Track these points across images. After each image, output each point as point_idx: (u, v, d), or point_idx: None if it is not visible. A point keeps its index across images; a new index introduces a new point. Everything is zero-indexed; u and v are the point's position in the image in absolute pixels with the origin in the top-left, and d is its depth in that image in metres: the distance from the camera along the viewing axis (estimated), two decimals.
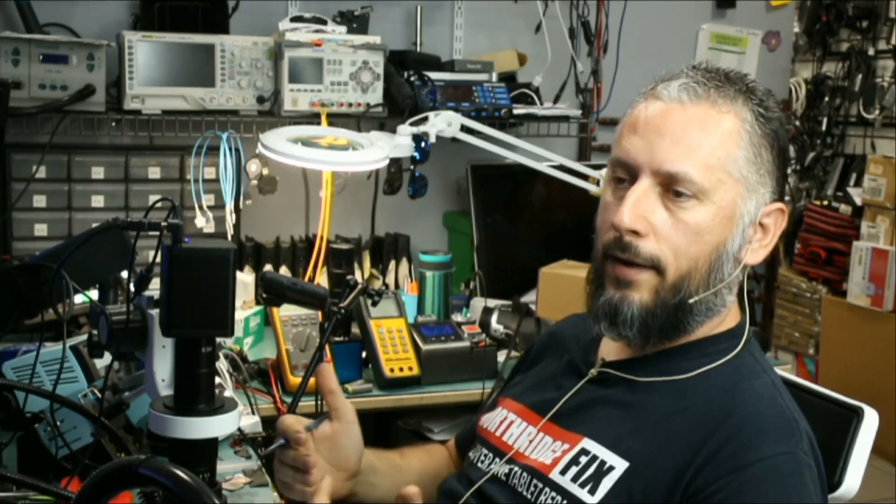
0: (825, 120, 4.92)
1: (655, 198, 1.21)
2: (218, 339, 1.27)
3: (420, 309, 2.53)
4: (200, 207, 2.58)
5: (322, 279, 2.68)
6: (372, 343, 2.24)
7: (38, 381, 1.53)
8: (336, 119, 2.72)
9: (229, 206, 2.61)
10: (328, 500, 1.28)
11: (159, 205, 1.24)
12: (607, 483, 1.18)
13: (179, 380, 1.19)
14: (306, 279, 2.70)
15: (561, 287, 2.50)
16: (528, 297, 2.65)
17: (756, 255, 1.25)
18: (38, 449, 1.48)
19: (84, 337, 1.54)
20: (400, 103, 2.70)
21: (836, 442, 1.36)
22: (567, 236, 2.92)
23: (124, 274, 1.98)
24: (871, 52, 4.69)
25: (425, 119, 2.58)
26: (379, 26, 2.90)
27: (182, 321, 1.15)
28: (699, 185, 1.19)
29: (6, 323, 1.70)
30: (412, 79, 2.77)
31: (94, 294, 2.06)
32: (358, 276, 2.81)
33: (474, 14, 3.14)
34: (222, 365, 2.01)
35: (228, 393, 1.92)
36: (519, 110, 2.92)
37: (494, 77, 2.92)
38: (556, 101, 3.08)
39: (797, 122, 4.91)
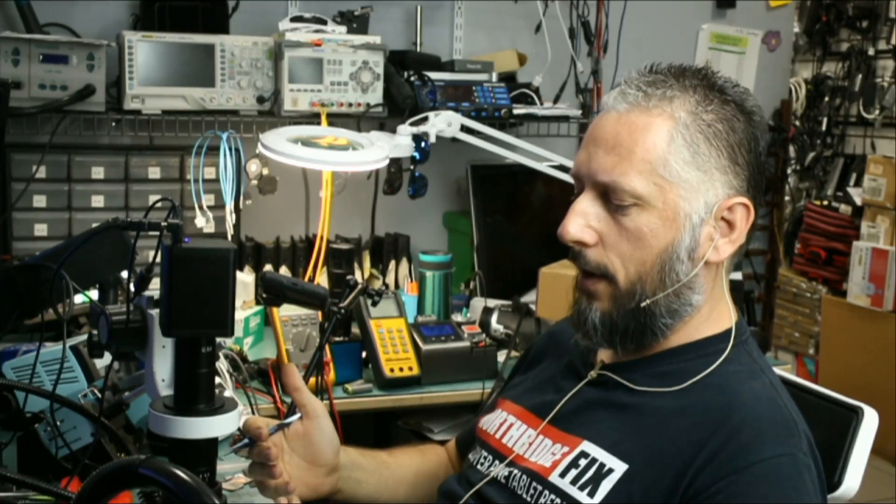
0: (825, 120, 4.92)
1: (600, 207, 1.23)
2: (218, 339, 1.27)
3: (420, 309, 2.53)
4: (200, 207, 2.58)
5: (322, 279, 2.68)
6: (372, 343, 2.24)
7: (38, 381, 1.53)
8: (336, 119, 2.72)
9: (229, 206, 2.61)
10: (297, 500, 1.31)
11: (159, 205, 1.24)
12: (606, 485, 1.18)
13: (179, 380, 1.19)
14: (306, 279, 2.70)
15: (561, 287, 2.48)
16: (528, 297, 2.65)
17: (721, 251, 1.23)
18: (38, 449, 1.48)
19: (84, 337, 1.54)
20: (400, 103, 2.70)
21: (835, 442, 1.36)
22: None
23: (124, 274, 1.98)
24: (871, 52, 4.69)
25: (425, 119, 2.59)
26: (379, 26, 2.91)
27: (182, 321, 1.15)
28: (633, 193, 1.19)
29: (6, 323, 1.70)
30: (412, 79, 2.77)
31: (94, 294, 2.06)
32: (358, 276, 2.81)
33: (474, 14, 3.14)
34: (222, 365, 2.02)
35: (228, 393, 1.93)
36: (519, 110, 2.92)
37: (494, 77, 2.92)
38: (556, 101, 3.08)
39: (797, 122, 4.91)
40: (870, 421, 1.37)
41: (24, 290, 1.69)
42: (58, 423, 1.45)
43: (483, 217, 2.97)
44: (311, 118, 2.69)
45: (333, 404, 2.13)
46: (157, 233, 1.16)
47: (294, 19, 2.75)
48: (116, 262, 1.84)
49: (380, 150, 2.48)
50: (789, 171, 4.60)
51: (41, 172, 2.55)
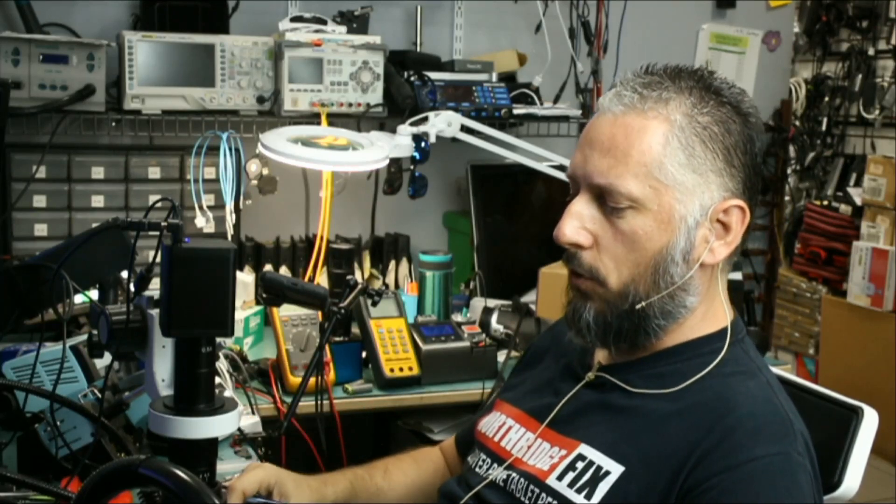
0: (825, 120, 4.92)
1: (595, 210, 1.23)
2: (218, 339, 1.27)
3: (420, 309, 2.53)
4: (200, 207, 2.58)
5: (322, 279, 2.68)
6: (372, 343, 2.24)
7: (38, 381, 1.53)
8: (336, 119, 2.72)
9: (229, 206, 2.61)
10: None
11: (159, 205, 1.24)
12: (603, 487, 1.18)
13: (179, 380, 1.20)
14: (306, 279, 2.70)
15: (561, 287, 2.46)
16: (528, 297, 2.65)
17: (716, 253, 1.23)
18: (38, 449, 1.48)
19: (84, 337, 1.54)
20: (400, 103, 2.70)
21: (835, 442, 1.36)
22: None
23: (124, 274, 1.98)
24: (871, 52, 4.69)
25: (425, 119, 2.59)
26: (379, 26, 2.91)
27: (182, 321, 1.16)
28: (628, 196, 1.19)
29: (6, 323, 1.70)
30: (412, 79, 2.77)
31: (94, 294, 2.06)
32: (358, 276, 2.81)
33: (474, 14, 3.14)
34: (222, 365, 2.02)
35: (228, 393, 1.93)
36: (519, 110, 2.92)
37: (494, 77, 2.92)
38: (556, 101, 3.08)
39: (797, 123, 4.91)
40: (870, 421, 1.37)
41: (24, 290, 1.69)
42: (58, 423, 1.45)
43: (483, 217, 2.97)
44: (311, 118, 2.69)
45: (333, 404, 2.13)
46: (157, 233, 1.16)
47: (294, 19, 2.75)
48: (116, 262, 1.84)
49: (380, 150, 2.48)
50: (789, 171, 4.60)
51: (41, 172, 2.55)
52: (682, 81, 1.23)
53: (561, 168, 2.71)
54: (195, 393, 1.18)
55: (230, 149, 2.56)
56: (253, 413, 1.99)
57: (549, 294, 2.54)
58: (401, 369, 2.24)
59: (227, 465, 1.68)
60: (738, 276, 2.73)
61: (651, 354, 1.28)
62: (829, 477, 1.32)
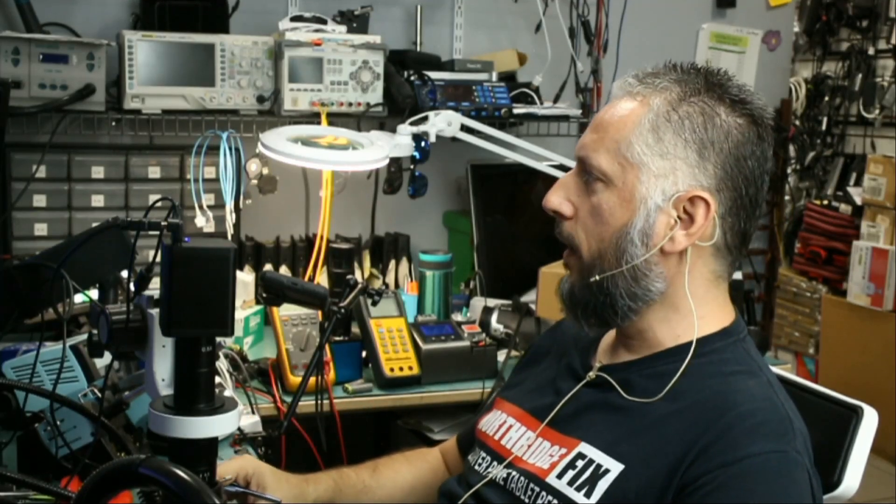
0: (825, 119, 4.92)
1: (580, 182, 1.29)
2: (218, 339, 1.27)
3: (420, 308, 2.53)
4: (200, 207, 2.58)
5: (322, 279, 2.68)
6: (372, 343, 2.24)
7: (38, 380, 1.53)
8: (336, 119, 2.72)
9: (229, 205, 2.61)
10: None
11: (159, 204, 1.24)
12: (602, 485, 1.19)
13: (179, 379, 1.19)
14: (306, 279, 2.70)
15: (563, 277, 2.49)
16: (528, 297, 2.65)
17: (676, 242, 1.23)
18: (38, 449, 1.48)
19: (84, 336, 1.54)
20: (400, 103, 2.70)
21: (835, 441, 1.36)
22: None
23: (124, 274, 1.98)
24: (871, 51, 4.69)
25: (425, 118, 2.58)
26: (379, 26, 2.90)
27: (182, 321, 1.15)
28: (598, 169, 1.25)
29: (6, 323, 1.70)
30: (412, 78, 2.77)
31: (94, 294, 2.06)
32: (358, 275, 2.81)
33: (474, 14, 3.13)
34: (222, 364, 2.02)
35: (228, 392, 1.93)
36: (519, 110, 2.91)
37: (494, 77, 2.92)
38: (556, 100, 3.08)
39: (797, 122, 4.91)
40: (869, 420, 1.37)
41: (24, 289, 1.69)
42: (58, 422, 1.45)
43: (483, 217, 2.97)
44: (311, 118, 2.69)
45: (333, 404, 2.13)
46: (157, 232, 1.16)
47: (294, 19, 2.75)
48: (116, 261, 1.84)
49: (380, 149, 2.48)
50: (789, 170, 4.61)
51: (41, 172, 2.55)
52: (688, 76, 1.26)
53: (561, 168, 2.71)
54: (195, 392, 1.18)
55: (230, 148, 2.56)
56: (253, 413, 1.99)
57: (549, 294, 2.54)
58: (401, 369, 2.24)
59: None
60: (738, 275, 2.73)
61: (651, 355, 1.28)
62: (828, 476, 1.32)
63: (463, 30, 3.13)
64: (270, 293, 1.57)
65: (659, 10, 3.33)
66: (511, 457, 1.32)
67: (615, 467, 1.19)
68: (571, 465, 1.23)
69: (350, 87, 2.69)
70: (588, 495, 1.19)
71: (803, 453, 1.17)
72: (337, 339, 2.22)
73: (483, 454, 1.38)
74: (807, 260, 4.68)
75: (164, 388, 1.25)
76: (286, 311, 2.18)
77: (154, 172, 2.67)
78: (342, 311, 1.63)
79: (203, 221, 2.58)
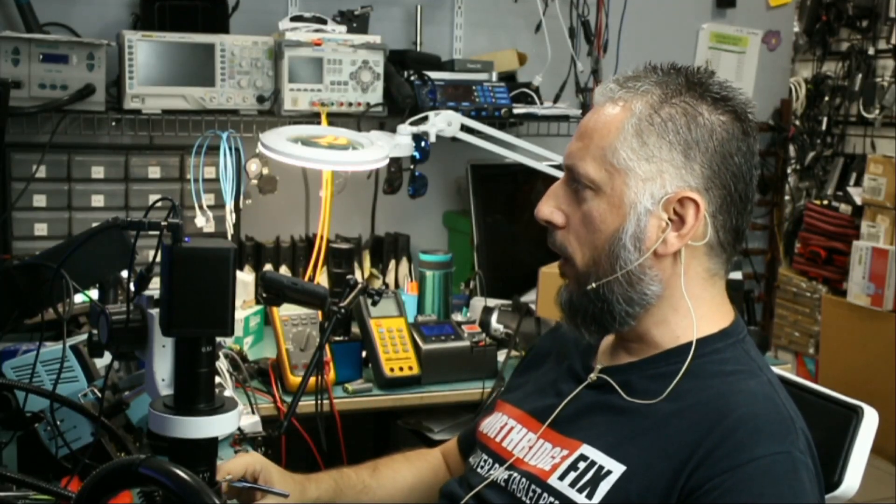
0: (825, 119, 4.92)
1: (569, 191, 1.29)
2: (218, 339, 1.27)
3: (420, 308, 2.53)
4: (200, 207, 2.58)
5: (322, 279, 2.68)
6: (372, 343, 2.24)
7: (38, 380, 1.53)
8: (336, 119, 2.72)
9: (229, 205, 2.61)
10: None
11: (159, 204, 1.24)
12: (604, 487, 1.19)
13: (179, 379, 1.19)
14: (306, 279, 2.70)
15: (561, 286, 2.49)
16: (528, 297, 2.65)
17: (669, 244, 1.23)
18: (38, 449, 1.48)
19: (84, 336, 1.54)
20: (400, 103, 2.70)
21: (835, 441, 1.36)
22: None
23: (124, 274, 1.98)
24: (871, 51, 4.69)
25: (425, 118, 2.58)
26: (379, 26, 2.90)
27: (182, 321, 1.15)
28: (586, 177, 1.26)
29: (6, 323, 1.70)
30: (412, 78, 2.77)
31: (94, 294, 2.06)
32: (358, 275, 2.81)
33: (474, 14, 3.13)
34: (222, 364, 2.02)
35: (228, 392, 1.93)
36: (519, 110, 2.91)
37: (494, 77, 2.92)
38: (556, 100, 3.08)
39: (797, 122, 4.91)
40: (870, 420, 1.37)
41: (24, 289, 1.69)
42: (58, 422, 1.45)
43: (483, 217, 2.97)
44: (311, 118, 2.69)
45: (333, 404, 2.13)
46: (157, 232, 1.16)
47: (294, 19, 2.75)
48: (116, 261, 1.84)
49: (380, 149, 2.48)
50: (789, 170, 4.61)
51: (41, 172, 2.55)
52: (668, 77, 1.26)
53: (561, 168, 2.71)
54: (195, 392, 1.18)
55: (230, 148, 2.56)
56: (253, 413, 1.99)
57: (549, 294, 2.54)
58: (401, 369, 2.24)
59: None
60: (738, 275, 2.73)
61: (651, 356, 1.28)
62: (829, 476, 1.32)
63: (463, 30, 3.13)
64: (270, 293, 1.57)
65: (659, 10, 3.33)
66: (512, 458, 1.32)
67: (617, 469, 1.19)
68: (573, 466, 1.23)
69: (350, 87, 2.69)
70: (590, 497, 1.19)
71: (806, 453, 1.17)
72: (337, 339, 2.22)
73: (484, 456, 1.38)
74: (807, 260, 4.68)
75: (164, 388, 1.25)
76: (286, 311, 2.18)
77: (154, 172, 2.67)
78: (342, 311, 1.63)
79: (203, 221, 2.58)
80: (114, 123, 2.64)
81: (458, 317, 2.61)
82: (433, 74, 2.79)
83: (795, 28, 4.66)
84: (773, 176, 4.05)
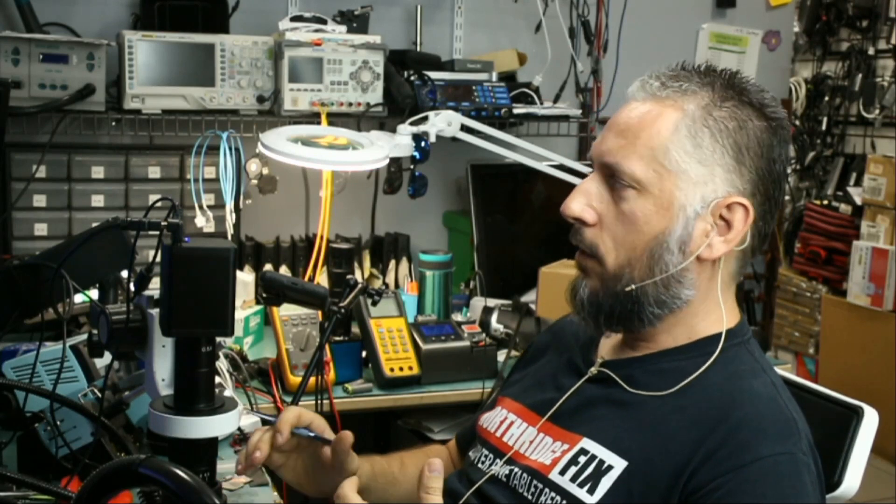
0: (825, 119, 4.92)
1: (604, 189, 1.26)
2: (218, 339, 1.27)
3: (420, 308, 2.53)
4: (200, 207, 2.58)
5: (322, 279, 2.68)
6: (372, 342, 2.24)
7: (38, 380, 1.53)
8: (336, 119, 2.71)
9: (229, 205, 2.61)
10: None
11: (159, 204, 1.24)
12: (606, 483, 1.18)
13: (179, 379, 1.20)
14: (306, 279, 2.70)
15: (561, 287, 2.46)
16: (528, 297, 2.65)
17: (714, 248, 1.23)
18: (38, 449, 1.48)
19: (84, 336, 1.54)
20: (400, 103, 2.70)
21: (835, 441, 1.36)
22: (567, 236, 2.92)
23: (124, 274, 1.98)
24: (871, 51, 4.69)
25: (425, 118, 2.58)
26: (379, 26, 2.90)
27: (182, 321, 1.16)
28: (632, 176, 1.22)
29: (6, 323, 1.70)
30: (412, 78, 2.77)
31: (94, 294, 2.06)
32: (358, 275, 2.81)
33: (474, 14, 3.13)
34: (222, 364, 2.02)
35: (228, 392, 1.93)
36: (519, 110, 2.91)
37: (494, 77, 2.92)
38: (556, 100, 3.08)
39: (797, 122, 4.91)
40: (870, 421, 1.37)
41: (24, 289, 1.69)
42: (58, 422, 1.45)
43: (483, 217, 2.97)
44: (311, 118, 2.69)
45: (333, 404, 2.13)
46: (157, 232, 1.16)
47: (294, 19, 2.75)
48: (116, 261, 1.84)
49: (380, 149, 2.48)
50: (789, 170, 4.60)
51: (41, 172, 2.55)
52: (709, 78, 1.26)
53: (561, 168, 2.71)
54: (195, 392, 1.18)
55: (230, 148, 2.56)
56: (253, 412, 1.98)
57: (549, 294, 2.54)
58: (401, 369, 2.24)
59: (227, 465, 1.68)
60: None
61: (655, 352, 1.28)
62: (829, 476, 1.32)
63: (463, 30, 3.13)
64: (270, 293, 1.57)
65: (659, 10, 3.33)
66: (512, 452, 1.31)
67: (619, 464, 1.19)
68: (574, 461, 1.22)
69: (350, 87, 2.69)
70: (591, 492, 1.18)
71: (808, 454, 1.17)
72: (337, 339, 2.22)
73: (485, 451, 1.37)
74: (807, 260, 4.68)
75: (164, 388, 1.25)
76: (286, 311, 2.18)
77: (154, 172, 2.67)
78: (342, 311, 1.63)
79: (203, 221, 2.58)
80: (114, 123, 2.64)
81: (458, 317, 2.61)
82: (433, 74, 2.79)
83: (795, 28, 4.66)
84: None
